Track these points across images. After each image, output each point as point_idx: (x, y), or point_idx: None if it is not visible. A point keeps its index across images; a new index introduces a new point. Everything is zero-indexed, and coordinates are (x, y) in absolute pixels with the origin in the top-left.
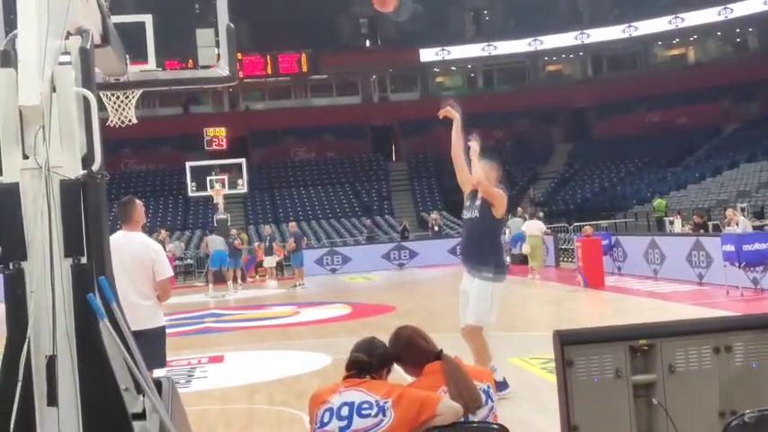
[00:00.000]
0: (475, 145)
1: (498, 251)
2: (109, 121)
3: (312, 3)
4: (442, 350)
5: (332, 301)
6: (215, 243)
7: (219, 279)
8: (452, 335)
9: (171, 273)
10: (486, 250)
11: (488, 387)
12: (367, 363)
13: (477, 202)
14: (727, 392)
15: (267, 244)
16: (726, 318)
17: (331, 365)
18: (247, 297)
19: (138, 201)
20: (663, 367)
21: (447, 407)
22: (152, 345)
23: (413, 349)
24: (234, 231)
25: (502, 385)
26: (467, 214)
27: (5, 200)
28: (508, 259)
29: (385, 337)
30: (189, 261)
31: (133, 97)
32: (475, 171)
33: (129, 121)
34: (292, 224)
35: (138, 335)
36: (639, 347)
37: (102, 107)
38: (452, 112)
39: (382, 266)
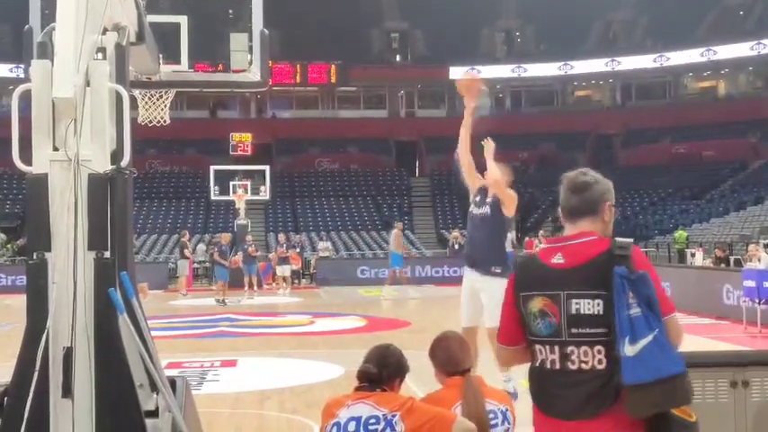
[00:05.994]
0: (490, 144)
1: (504, 248)
2: (140, 119)
3: (345, 15)
4: (470, 369)
5: (347, 312)
6: None
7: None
8: None
9: None
10: (496, 247)
11: (506, 409)
12: (377, 375)
13: (488, 199)
14: (742, 428)
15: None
16: (744, 352)
17: (343, 376)
18: (263, 304)
19: None
20: None
21: (462, 428)
22: None
23: (445, 353)
24: (249, 238)
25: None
26: (476, 210)
27: (33, 190)
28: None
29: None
30: (208, 264)
31: (168, 98)
32: (492, 170)
33: (163, 120)
34: (226, 235)
35: None
36: None
37: (133, 105)
38: (473, 94)
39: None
